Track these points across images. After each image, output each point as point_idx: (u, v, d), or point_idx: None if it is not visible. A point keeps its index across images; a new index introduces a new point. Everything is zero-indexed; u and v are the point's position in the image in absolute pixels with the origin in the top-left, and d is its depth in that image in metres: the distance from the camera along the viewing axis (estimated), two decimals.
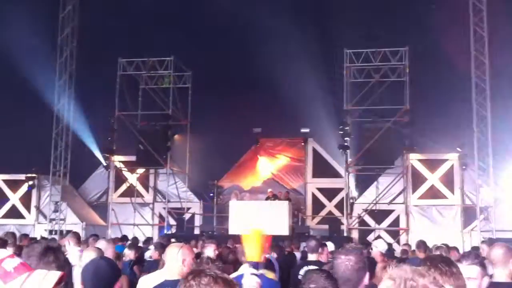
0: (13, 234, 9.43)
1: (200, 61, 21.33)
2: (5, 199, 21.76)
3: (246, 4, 20.29)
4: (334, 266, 3.27)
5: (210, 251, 7.12)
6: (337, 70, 20.00)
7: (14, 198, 21.73)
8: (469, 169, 19.11)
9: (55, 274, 1.76)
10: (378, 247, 7.95)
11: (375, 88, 19.60)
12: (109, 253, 6.57)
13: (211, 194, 22.33)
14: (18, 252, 4.81)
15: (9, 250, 2.10)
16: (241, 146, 23.14)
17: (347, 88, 19.84)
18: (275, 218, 17.30)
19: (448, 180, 19.61)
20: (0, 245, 5.26)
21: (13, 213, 21.61)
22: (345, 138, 19.51)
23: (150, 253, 9.13)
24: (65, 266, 3.03)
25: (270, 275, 5.18)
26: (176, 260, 4.34)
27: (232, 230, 17.36)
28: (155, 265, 6.97)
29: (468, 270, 3.45)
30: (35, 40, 20.04)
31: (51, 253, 2.95)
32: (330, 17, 21.71)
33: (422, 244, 8.84)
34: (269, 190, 19.60)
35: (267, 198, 18.96)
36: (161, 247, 8.21)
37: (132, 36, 21.38)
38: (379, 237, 19.14)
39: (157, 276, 4.67)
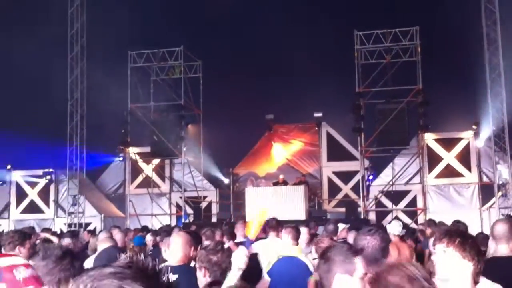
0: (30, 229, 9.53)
1: (210, 50, 21.33)
2: (24, 194, 22.05)
3: None
4: (360, 246, 3.32)
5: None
6: (348, 52, 19.88)
7: (33, 193, 22.01)
8: (485, 146, 18.96)
9: None
10: (391, 231, 7.93)
11: (387, 69, 19.47)
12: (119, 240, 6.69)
13: (227, 182, 22.41)
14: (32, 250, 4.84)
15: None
16: (255, 133, 23.15)
17: (359, 70, 19.74)
18: (291, 203, 17.34)
19: (464, 158, 19.48)
20: (21, 239, 5.27)
21: (33, 208, 21.91)
22: (359, 121, 19.44)
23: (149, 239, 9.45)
24: (78, 275, 2.99)
25: (303, 258, 5.27)
26: (176, 247, 4.49)
27: (249, 217, 17.42)
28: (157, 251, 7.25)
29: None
30: (46, 38, 20.15)
31: (68, 259, 2.84)
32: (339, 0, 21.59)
33: (431, 222, 8.83)
34: (281, 176, 19.58)
35: (275, 183, 18.80)
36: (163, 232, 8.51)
37: (141, 28, 21.39)
38: (396, 218, 19.16)
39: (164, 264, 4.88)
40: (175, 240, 4.60)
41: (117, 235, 8.62)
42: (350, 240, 5.73)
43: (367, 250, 3.27)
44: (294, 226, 6.67)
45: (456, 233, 2.90)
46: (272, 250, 6.53)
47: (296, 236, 6.47)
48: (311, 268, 5.38)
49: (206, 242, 6.28)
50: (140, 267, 1.04)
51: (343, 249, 2.87)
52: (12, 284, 1.78)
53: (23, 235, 5.23)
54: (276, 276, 5.32)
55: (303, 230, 8.67)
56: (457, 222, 10.12)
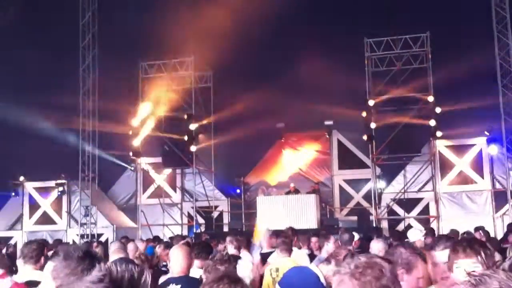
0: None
1: (220, 60, 21.37)
2: (37, 206, 22.18)
3: None
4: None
5: (231, 248, 7.24)
6: (358, 59, 19.85)
7: (45, 205, 22.12)
8: (498, 152, 18.80)
9: None
10: (410, 238, 7.88)
11: (397, 76, 19.41)
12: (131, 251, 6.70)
13: (238, 191, 22.39)
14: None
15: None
16: (265, 142, 23.13)
17: (369, 78, 19.69)
18: (303, 212, 17.30)
19: (477, 165, 19.31)
20: (39, 250, 5.31)
21: (45, 219, 22.02)
22: (370, 128, 19.37)
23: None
24: None
25: (315, 268, 5.22)
26: (176, 259, 4.56)
27: (260, 226, 17.37)
28: None
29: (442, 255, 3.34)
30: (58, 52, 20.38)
31: (89, 259, 2.82)
32: (349, 7, 21.56)
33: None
34: (292, 185, 19.55)
35: (287, 193, 18.85)
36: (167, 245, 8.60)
37: (152, 38, 21.51)
38: (409, 226, 19.01)
39: (166, 276, 4.97)
40: (175, 252, 4.69)
41: (130, 245, 8.64)
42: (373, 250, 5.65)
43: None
44: (282, 239, 6.62)
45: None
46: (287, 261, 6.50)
47: (286, 248, 6.47)
48: (322, 279, 5.32)
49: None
50: (114, 278, 0.97)
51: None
52: None
53: (43, 246, 5.31)
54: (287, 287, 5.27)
55: (314, 240, 8.63)
56: (478, 229, 10.03)
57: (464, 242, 3.04)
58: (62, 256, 3.39)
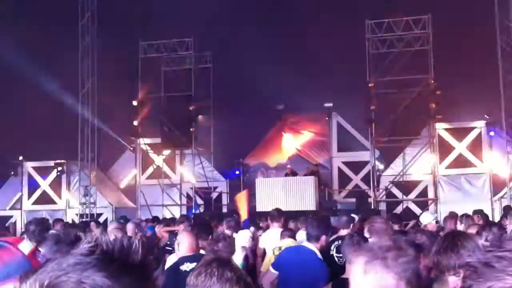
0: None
1: (220, 41, 21.27)
2: (36, 185, 22.23)
3: None
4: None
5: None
6: (359, 41, 19.73)
7: (45, 184, 22.17)
8: (497, 135, 18.79)
9: None
10: (424, 221, 7.92)
11: (398, 58, 19.30)
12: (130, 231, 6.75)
13: (237, 172, 22.43)
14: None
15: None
16: (265, 123, 23.06)
17: (370, 60, 19.60)
18: (302, 194, 17.35)
19: (476, 148, 19.31)
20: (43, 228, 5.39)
21: (45, 199, 22.08)
22: (370, 111, 19.33)
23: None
24: None
25: (310, 246, 5.25)
26: (185, 240, 4.70)
27: (259, 207, 17.46)
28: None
29: None
30: (58, 29, 20.22)
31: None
32: None
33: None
34: (288, 166, 19.60)
35: (286, 175, 18.92)
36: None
37: (151, 19, 21.38)
38: (406, 208, 19.10)
39: (173, 255, 5.08)
40: (183, 237, 4.80)
41: (129, 226, 8.69)
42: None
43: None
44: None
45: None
46: (276, 241, 6.55)
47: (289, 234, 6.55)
48: (319, 255, 5.33)
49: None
50: (105, 248, 0.94)
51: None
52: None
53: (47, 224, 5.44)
54: (285, 268, 5.29)
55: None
56: (476, 213, 10.07)
57: None
58: (54, 240, 3.40)
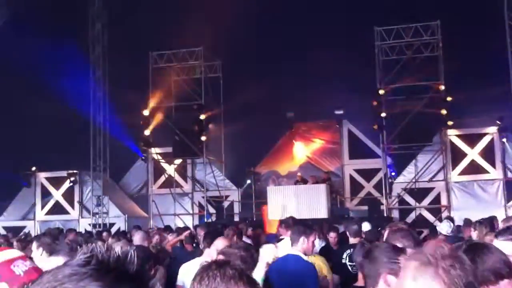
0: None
1: (229, 50, 21.33)
2: (49, 196, 22.37)
3: None
4: None
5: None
6: (368, 48, 19.72)
7: (57, 195, 22.31)
8: (509, 141, 18.66)
9: None
10: (440, 230, 7.88)
11: (408, 65, 19.27)
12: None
13: (249, 181, 22.43)
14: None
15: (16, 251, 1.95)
16: (276, 131, 23.07)
17: (380, 67, 19.57)
18: (313, 202, 17.31)
19: (488, 154, 19.18)
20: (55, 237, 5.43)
21: (58, 209, 22.21)
22: (380, 118, 19.28)
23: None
24: None
25: (294, 251, 5.21)
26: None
27: (271, 216, 17.44)
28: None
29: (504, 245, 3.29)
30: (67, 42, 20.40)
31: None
32: None
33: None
34: (298, 174, 19.59)
35: (296, 182, 18.89)
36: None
37: (161, 29, 21.51)
38: (419, 216, 19.00)
39: (197, 262, 4.99)
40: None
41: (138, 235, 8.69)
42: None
43: None
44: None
45: None
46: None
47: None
48: (305, 257, 5.27)
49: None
50: (101, 260, 0.95)
51: (388, 249, 2.86)
52: (13, 280, 1.66)
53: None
54: (276, 280, 5.25)
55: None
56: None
57: None
58: (68, 249, 3.44)
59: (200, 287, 2.13)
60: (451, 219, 10.76)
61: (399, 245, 3.16)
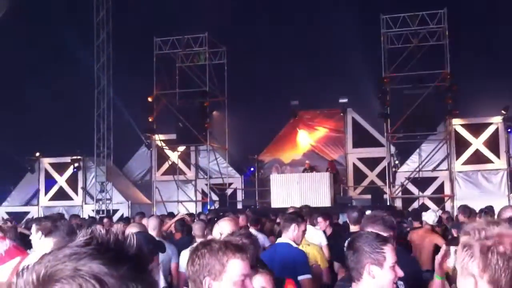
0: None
1: (234, 36, 21.23)
2: (53, 181, 22.43)
3: None
4: None
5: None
6: (374, 36, 19.59)
7: (61, 181, 22.36)
8: None
9: None
10: (425, 219, 7.84)
11: (414, 53, 19.13)
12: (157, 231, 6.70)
13: (252, 169, 22.42)
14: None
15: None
16: (279, 119, 23.02)
17: (385, 55, 19.45)
18: (317, 190, 17.30)
19: (493, 144, 19.11)
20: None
21: (61, 195, 22.27)
22: (385, 106, 19.20)
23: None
24: None
25: (284, 239, 5.18)
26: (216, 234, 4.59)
27: (274, 204, 17.46)
28: None
29: None
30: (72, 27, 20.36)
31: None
32: None
33: (466, 209, 8.65)
34: (307, 161, 19.56)
35: (304, 170, 18.88)
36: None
37: (166, 14, 21.42)
38: (423, 205, 18.95)
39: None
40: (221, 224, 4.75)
41: (144, 221, 8.68)
42: None
43: None
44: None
45: None
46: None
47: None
48: (294, 244, 5.24)
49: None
50: (100, 240, 0.97)
51: (370, 238, 2.75)
52: None
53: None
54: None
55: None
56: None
57: None
58: (66, 231, 3.41)
59: (194, 268, 2.20)
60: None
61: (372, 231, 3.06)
